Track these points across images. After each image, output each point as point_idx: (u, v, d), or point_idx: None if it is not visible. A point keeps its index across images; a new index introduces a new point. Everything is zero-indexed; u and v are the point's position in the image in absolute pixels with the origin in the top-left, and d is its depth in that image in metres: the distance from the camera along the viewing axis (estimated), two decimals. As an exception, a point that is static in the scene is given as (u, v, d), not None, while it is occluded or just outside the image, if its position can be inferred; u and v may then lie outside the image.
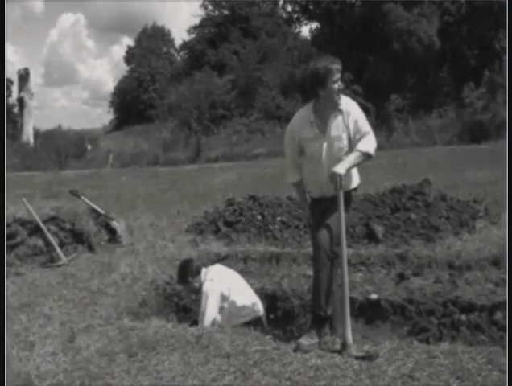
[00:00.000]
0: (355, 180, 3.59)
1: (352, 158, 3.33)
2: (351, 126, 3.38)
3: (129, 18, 78.94)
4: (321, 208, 3.50)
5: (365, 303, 4.19)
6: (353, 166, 3.38)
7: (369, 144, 3.36)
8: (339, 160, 3.34)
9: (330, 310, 3.37)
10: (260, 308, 4.14)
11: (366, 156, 3.36)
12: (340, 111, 3.39)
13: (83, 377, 3.01)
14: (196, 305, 4.27)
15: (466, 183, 8.62)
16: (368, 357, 3.01)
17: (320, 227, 3.40)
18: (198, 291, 4.11)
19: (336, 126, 3.39)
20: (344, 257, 3.24)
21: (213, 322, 3.93)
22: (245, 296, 4.10)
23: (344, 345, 3.15)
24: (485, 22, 23.79)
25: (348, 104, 3.43)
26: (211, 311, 3.93)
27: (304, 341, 3.26)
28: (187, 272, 4.14)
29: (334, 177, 3.25)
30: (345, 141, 3.40)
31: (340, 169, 3.27)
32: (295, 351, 3.20)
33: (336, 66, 3.35)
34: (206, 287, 4.01)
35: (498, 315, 3.64)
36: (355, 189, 3.63)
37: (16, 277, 5.29)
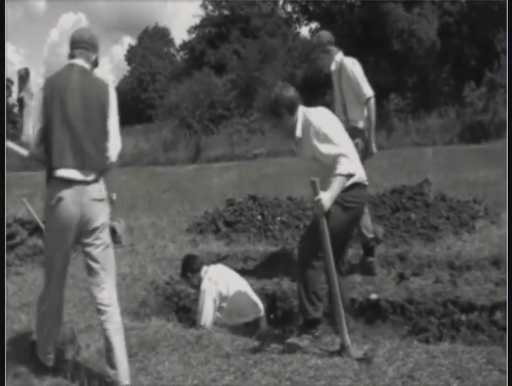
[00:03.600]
0: None
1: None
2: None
3: (130, 17, 78.95)
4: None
5: (365, 303, 4.18)
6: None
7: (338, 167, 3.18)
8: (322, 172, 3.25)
9: (318, 313, 3.31)
10: (260, 308, 4.14)
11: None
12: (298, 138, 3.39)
13: (83, 377, 3.01)
14: (196, 304, 4.27)
15: (466, 183, 8.62)
16: (367, 359, 3.00)
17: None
18: (197, 287, 4.13)
19: (304, 150, 3.41)
20: (330, 261, 3.15)
21: (211, 322, 3.94)
22: (246, 296, 4.11)
23: (342, 346, 3.15)
24: (485, 22, 23.76)
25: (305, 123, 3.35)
26: (207, 311, 3.94)
27: (292, 341, 3.28)
28: (188, 267, 4.17)
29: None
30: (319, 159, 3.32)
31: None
32: (282, 351, 3.22)
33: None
34: (204, 286, 4.03)
35: (498, 315, 3.63)
36: None
37: (16, 277, 5.29)
